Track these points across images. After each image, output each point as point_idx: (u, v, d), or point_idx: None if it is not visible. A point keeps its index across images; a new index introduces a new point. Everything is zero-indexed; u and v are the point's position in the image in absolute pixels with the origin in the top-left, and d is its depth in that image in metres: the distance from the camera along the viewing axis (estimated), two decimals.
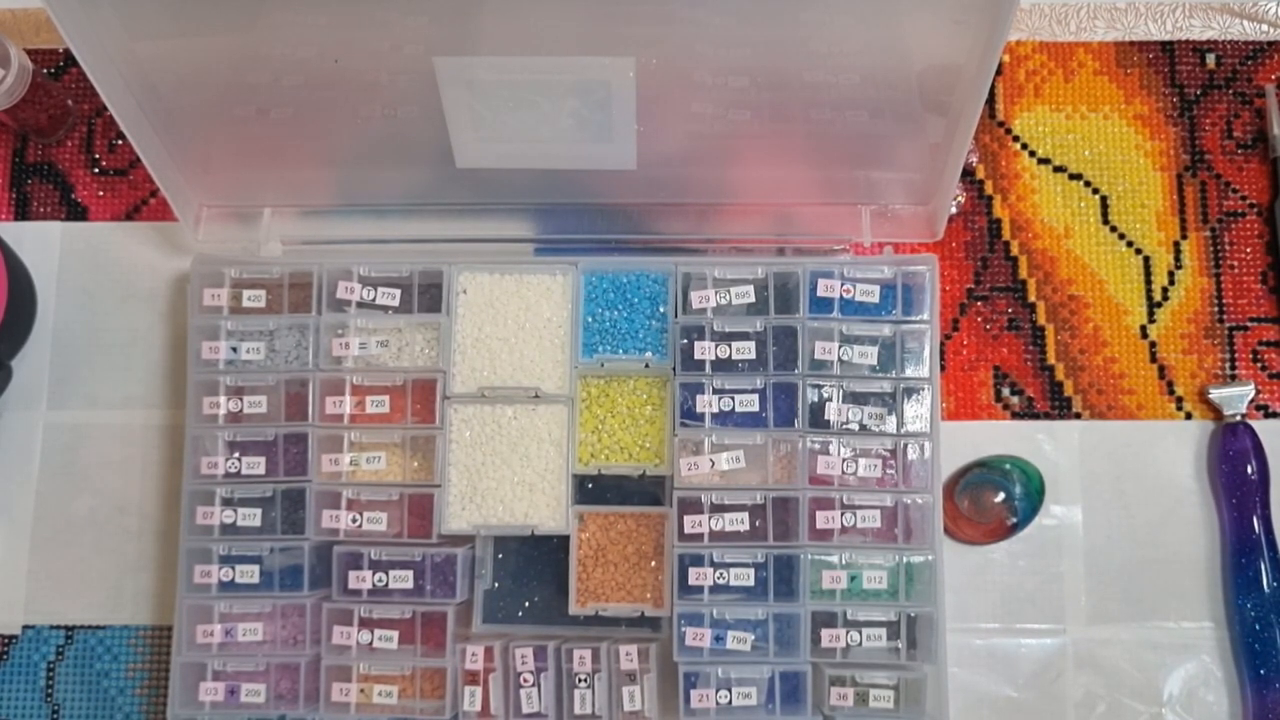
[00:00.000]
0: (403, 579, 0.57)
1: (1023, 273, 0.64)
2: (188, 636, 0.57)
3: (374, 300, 0.60)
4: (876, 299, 0.59)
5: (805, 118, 0.57)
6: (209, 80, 0.55)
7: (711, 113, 0.57)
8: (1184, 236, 0.64)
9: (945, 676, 0.57)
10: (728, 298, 0.59)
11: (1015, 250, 0.64)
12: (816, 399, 0.58)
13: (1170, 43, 0.66)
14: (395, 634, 0.57)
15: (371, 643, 0.57)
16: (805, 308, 0.58)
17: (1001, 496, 0.60)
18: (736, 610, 0.56)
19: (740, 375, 0.58)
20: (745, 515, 0.57)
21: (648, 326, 0.60)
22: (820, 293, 0.58)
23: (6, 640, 0.62)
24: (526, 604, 0.59)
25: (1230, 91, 0.65)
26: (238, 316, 0.60)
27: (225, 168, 0.61)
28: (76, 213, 0.65)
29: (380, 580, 0.57)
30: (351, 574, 0.57)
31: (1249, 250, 0.64)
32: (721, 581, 0.56)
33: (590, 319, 0.60)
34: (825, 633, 0.56)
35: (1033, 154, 0.65)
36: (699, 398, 0.58)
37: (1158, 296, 0.64)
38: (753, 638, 0.56)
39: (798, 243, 0.62)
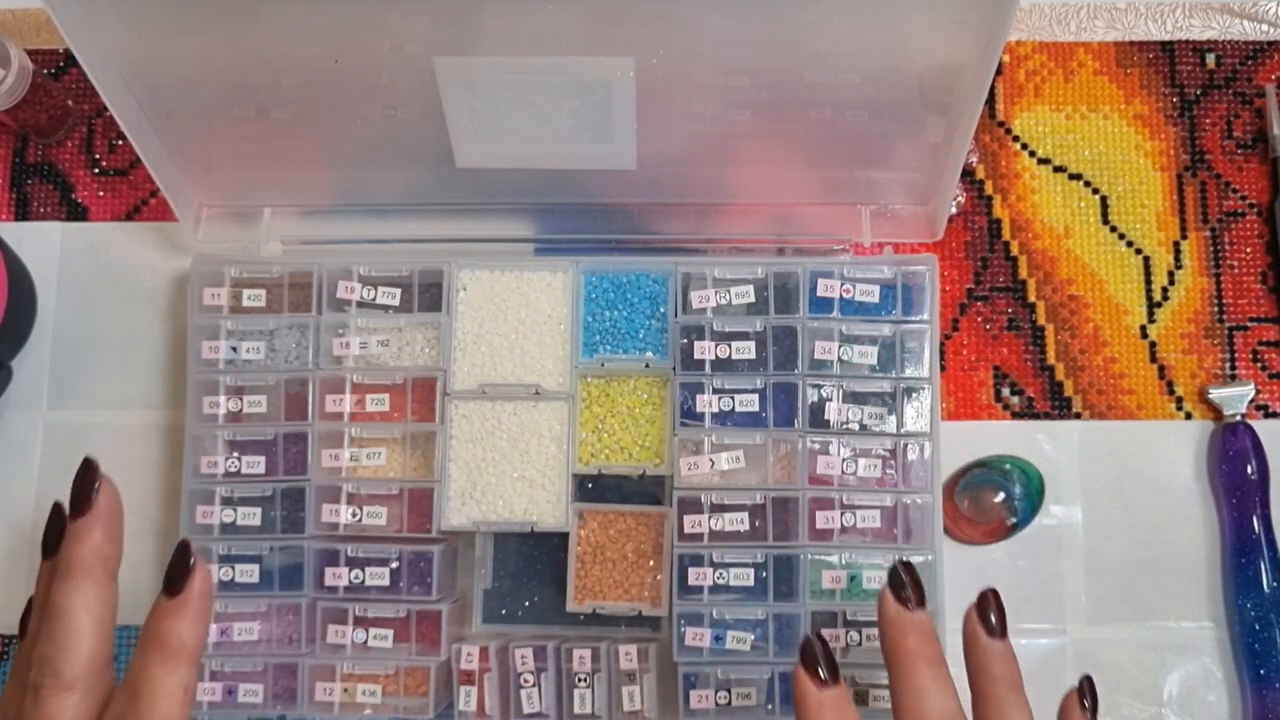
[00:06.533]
0: (379, 576, 0.57)
1: (1023, 273, 0.64)
2: None
3: (374, 300, 0.60)
4: (876, 299, 0.59)
5: (805, 118, 0.57)
6: (209, 80, 0.55)
7: (711, 113, 0.57)
8: (1184, 236, 0.64)
9: None
10: (728, 298, 0.59)
11: (1015, 250, 0.64)
12: (816, 399, 0.58)
13: (1170, 43, 0.66)
14: (390, 632, 0.57)
15: (366, 641, 0.57)
16: (805, 308, 0.58)
17: (1001, 496, 0.60)
18: (736, 610, 0.56)
19: (740, 375, 0.58)
20: (745, 515, 0.57)
21: (648, 326, 0.60)
22: (820, 293, 0.58)
23: (6, 640, 0.62)
24: (526, 604, 0.59)
25: (1230, 91, 0.65)
26: (238, 316, 0.60)
27: (225, 168, 0.61)
28: (77, 213, 0.65)
29: (356, 577, 0.57)
30: (328, 570, 0.57)
31: (1249, 250, 0.64)
32: (721, 581, 0.56)
33: (590, 319, 0.60)
34: (825, 633, 0.56)
35: (1033, 154, 0.65)
36: (699, 397, 0.58)
37: (1158, 296, 0.64)
38: (753, 638, 0.56)
39: (798, 243, 0.62)
